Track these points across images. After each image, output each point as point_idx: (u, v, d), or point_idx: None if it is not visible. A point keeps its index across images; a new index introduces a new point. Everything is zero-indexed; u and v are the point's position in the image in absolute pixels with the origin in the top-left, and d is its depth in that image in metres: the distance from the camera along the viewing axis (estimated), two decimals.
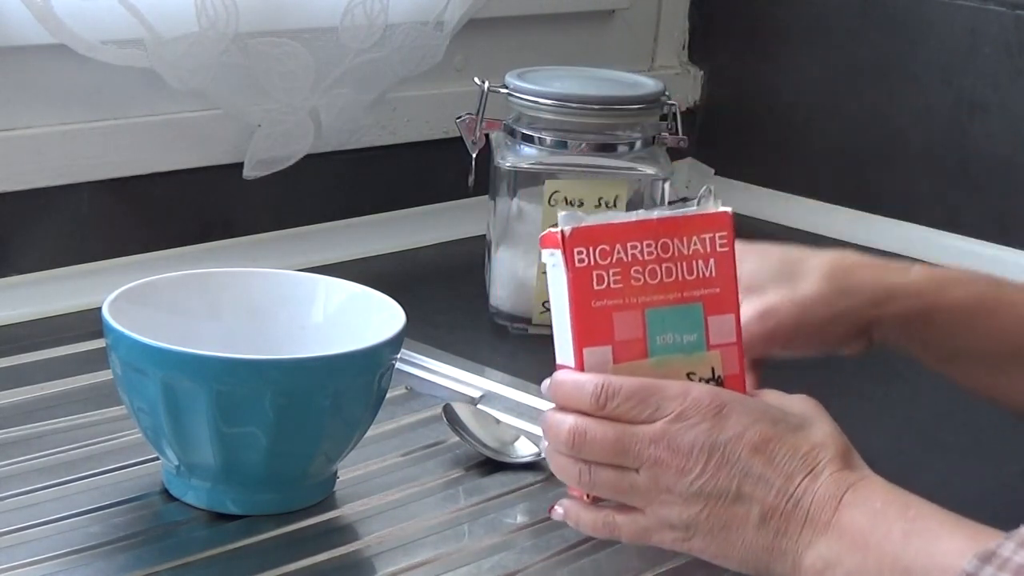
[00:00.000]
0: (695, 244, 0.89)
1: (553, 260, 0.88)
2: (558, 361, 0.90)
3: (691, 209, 0.90)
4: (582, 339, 0.88)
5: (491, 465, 1.07)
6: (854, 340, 0.98)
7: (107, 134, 1.36)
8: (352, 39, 1.42)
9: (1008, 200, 1.60)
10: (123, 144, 1.37)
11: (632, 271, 0.88)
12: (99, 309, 0.96)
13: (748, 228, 1.70)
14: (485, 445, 1.08)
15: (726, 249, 0.89)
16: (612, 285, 0.87)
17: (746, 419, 0.85)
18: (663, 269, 0.88)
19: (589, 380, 0.86)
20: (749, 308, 0.94)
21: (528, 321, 1.33)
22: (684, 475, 0.84)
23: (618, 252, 0.87)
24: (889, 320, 0.96)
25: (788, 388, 1.25)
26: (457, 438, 1.09)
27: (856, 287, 0.96)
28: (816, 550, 0.83)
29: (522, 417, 1.13)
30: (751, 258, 0.97)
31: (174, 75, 1.32)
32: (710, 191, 0.90)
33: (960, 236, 1.63)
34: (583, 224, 0.87)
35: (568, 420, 0.87)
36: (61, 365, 1.16)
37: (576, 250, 0.87)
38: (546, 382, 0.89)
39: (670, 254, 0.88)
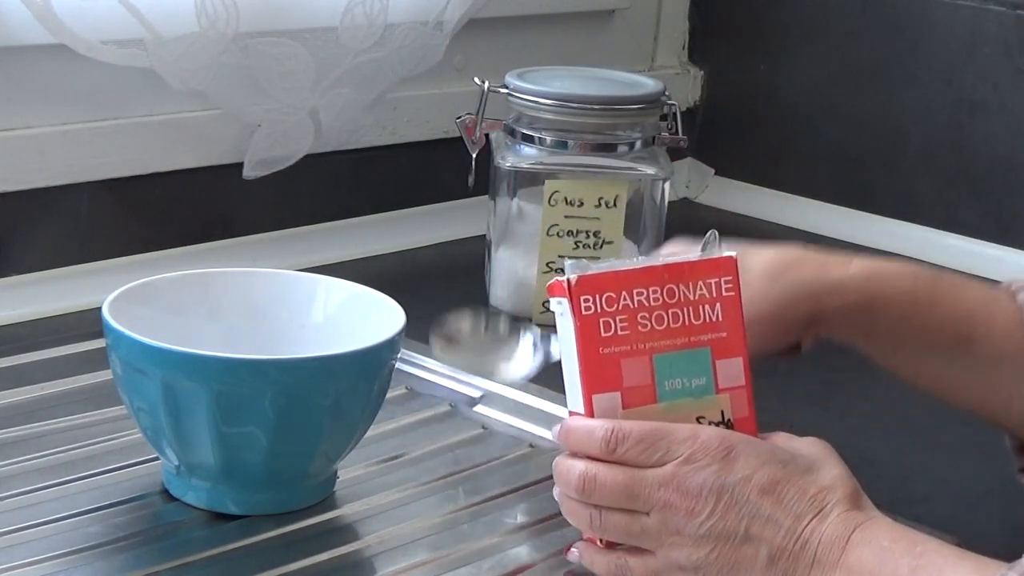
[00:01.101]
0: (701, 289, 0.90)
1: (560, 308, 0.90)
2: (568, 407, 0.91)
3: (696, 255, 0.91)
4: (591, 386, 0.89)
5: (491, 464, 1.07)
6: (797, 336, 0.98)
7: (107, 134, 1.36)
8: (352, 39, 1.42)
9: (1008, 200, 1.60)
10: (123, 144, 1.37)
11: (639, 317, 0.89)
12: (99, 309, 0.96)
13: (748, 228, 1.71)
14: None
15: (732, 293, 0.90)
16: (619, 332, 0.89)
17: (755, 461, 0.85)
18: (670, 315, 0.89)
19: (599, 425, 0.87)
20: None
21: (528, 321, 1.33)
22: (693, 517, 0.85)
23: (624, 299, 0.89)
24: (832, 314, 0.96)
25: (789, 391, 1.26)
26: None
27: (797, 283, 0.95)
28: None
29: (522, 417, 1.13)
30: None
31: (174, 75, 1.33)
32: (715, 236, 0.92)
33: (959, 236, 1.63)
34: (588, 272, 0.89)
35: (579, 466, 0.88)
36: (61, 365, 1.16)
37: (583, 298, 0.88)
38: (556, 427, 0.90)
39: (676, 299, 0.89)
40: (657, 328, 0.89)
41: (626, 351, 0.89)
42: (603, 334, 0.88)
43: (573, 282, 0.88)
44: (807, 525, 0.84)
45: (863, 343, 0.99)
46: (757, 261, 0.97)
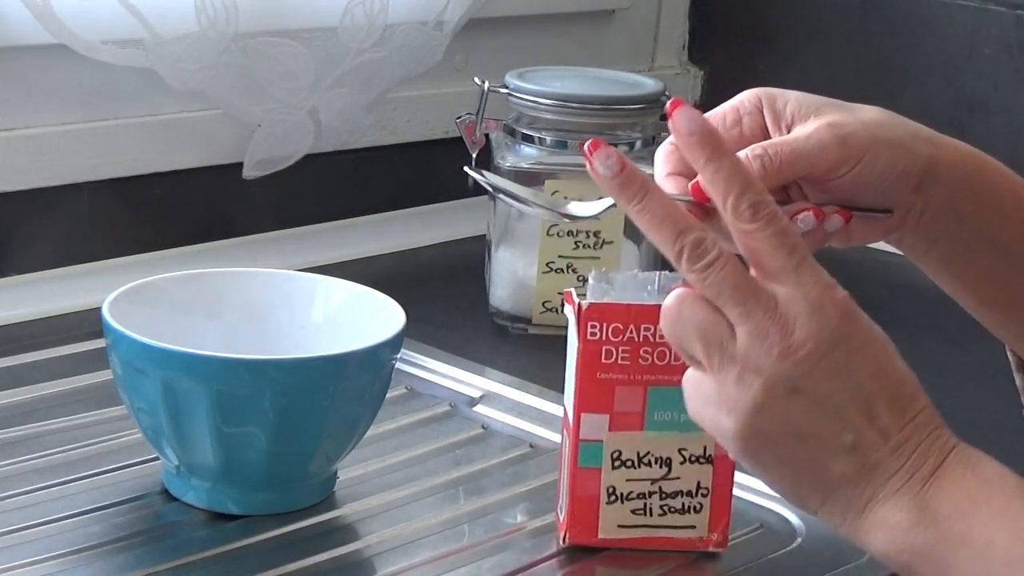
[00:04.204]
0: None
1: (571, 319, 0.91)
2: (564, 399, 0.94)
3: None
4: (582, 405, 0.91)
5: (491, 464, 1.07)
6: (910, 183, 0.87)
7: (107, 134, 1.36)
8: (352, 39, 1.42)
9: None
10: (123, 144, 1.37)
11: (641, 351, 0.91)
12: (99, 309, 0.96)
13: None
14: (535, 203, 0.90)
15: None
16: (620, 361, 0.91)
17: (870, 336, 0.73)
18: (672, 353, 0.90)
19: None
20: (812, 124, 0.84)
21: (528, 321, 1.33)
22: (783, 359, 0.71)
23: (630, 332, 0.90)
24: (945, 166, 0.87)
25: None
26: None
27: (915, 128, 0.88)
28: (897, 512, 0.73)
29: (522, 417, 1.13)
30: (792, 95, 0.87)
31: (174, 75, 1.33)
32: None
33: None
34: (602, 301, 0.90)
35: (704, 234, 0.74)
36: (61, 365, 1.16)
37: (590, 324, 0.90)
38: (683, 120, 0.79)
39: None
40: (657, 363, 0.91)
41: (622, 379, 0.91)
42: (603, 360, 0.90)
43: (583, 308, 0.90)
44: (908, 429, 0.74)
45: (953, 227, 0.88)
46: (864, 106, 0.88)
